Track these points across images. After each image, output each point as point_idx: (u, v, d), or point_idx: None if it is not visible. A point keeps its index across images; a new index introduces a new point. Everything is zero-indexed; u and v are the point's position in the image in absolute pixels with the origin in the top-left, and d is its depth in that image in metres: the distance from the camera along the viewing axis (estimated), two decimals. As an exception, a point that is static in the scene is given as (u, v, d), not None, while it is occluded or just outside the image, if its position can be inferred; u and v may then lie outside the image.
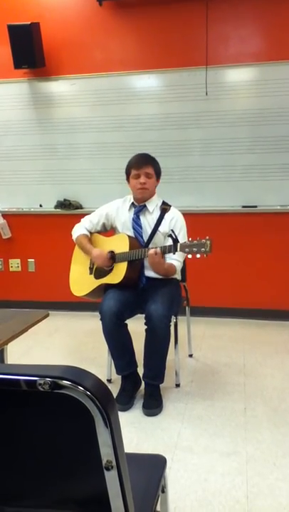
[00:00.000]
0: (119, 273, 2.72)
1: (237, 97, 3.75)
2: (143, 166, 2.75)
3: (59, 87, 4.03)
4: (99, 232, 2.98)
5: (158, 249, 2.53)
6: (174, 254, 2.57)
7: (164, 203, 2.88)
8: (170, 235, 2.52)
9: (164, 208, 2.83)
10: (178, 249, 2.50)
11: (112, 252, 2.80)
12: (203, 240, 2.44)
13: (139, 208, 2.85)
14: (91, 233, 2.96)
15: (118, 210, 2.90)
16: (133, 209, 2.86)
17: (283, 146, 3.74)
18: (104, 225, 2.95)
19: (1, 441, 0.96)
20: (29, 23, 3.72)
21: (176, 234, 2.59)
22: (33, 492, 1.03)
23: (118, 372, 2.78)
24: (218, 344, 3.58)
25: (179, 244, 2.50)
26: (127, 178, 2.83)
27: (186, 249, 2.47)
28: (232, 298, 4.08)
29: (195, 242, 2.46)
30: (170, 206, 2.86)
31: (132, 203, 2.87)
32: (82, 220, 3.00)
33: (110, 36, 3.88)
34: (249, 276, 4.03)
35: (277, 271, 3.98)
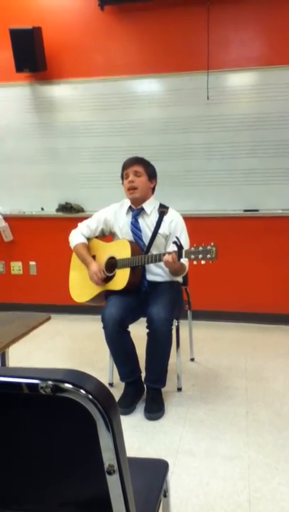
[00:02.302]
0: (122, 279, 2.71)
1: (238, 101, 3.75)
2: (131, 165, 2.78)
3: (60, 91, 4.04)
4: (97, 238, 2.97)
5: (174, 255, 2.50)
6: (179, 260, 2.56)
7: (161, 205, 2.88)
8: (175, 242, 2.50)
9: (162, 210, 2.83)
10: (183, 255, 2.49)
11: (113, 258, 2.80)
12: (209, 247, 2.44)
13: (137, 211, 2.85)
14: (89, 239, 2.95)
15: (116, 214, 2.89)
16: (131, 213, 2.86)
17: (285, 150, 3.75)
18: (102, 230, 2.94)
19: (3, 444, 0.95)
20: (31, 27, 3.74)
21: (178, 237, 2.59)
22: (34, 496, 1.03)
23: (122, 379, 2.77)
24: (220, 348, 3.57)
25: (184, 251, 2.49)
26: (122, 183, 2.84)
27: (192, 256, 2.46)
28: (234, 302, 4.08)
29: (200, 248, 2.45)
30: (168, 208, 2.85)
31: (130, 207, 2.87)
32: (79, 225, 2.98)
33: (112, 40, 3.89)
34: (251, 280, 4.02)
35: (279, 275, 3.97)
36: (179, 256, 2.49)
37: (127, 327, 2.69)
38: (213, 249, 2.42)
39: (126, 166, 2.81)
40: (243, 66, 3.71)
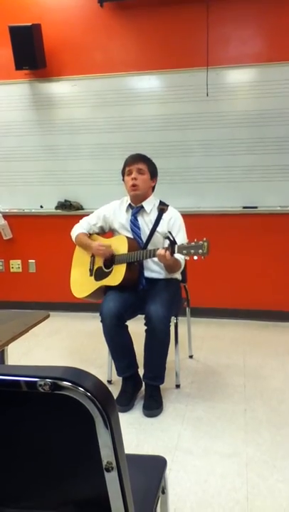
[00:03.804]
0: (118, 275, 2.72)
1: (237, 97, 3.75)
2: (135, 162, 2.77)
3: (60, 88, 4.03)
4: (97, 234, 2.98)
5: (167, 252, 2.48)
6: (172, 255, 2.55)
7: (161, 203, 2.87)
8: (167, 237, 2.50)
9: (162, 208, 2.83)
10: (176, 251, 2.49)
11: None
12: (201, 242, 2.42)
13: (137, 209, 2.85)
14: (89, 234, 2.97)
15: (115, 212, 2.90)
16: (130, 210, 2.86)
17: (284, 147, 3.75)
18: (102, 227, 2.95)
19: (1, 442, 0.96)
20: (30, 24, 3.73)
21: (175, 234, 2.58)
22: (33, 493, 1.03)
23: (119, 374, 2.78)
24: (219, 345, 3.58)
25: (176, 246, 2.49)
26: (123, 179, 2.84)
27: (184, 251, 2.45)
28: (232, 299, 4.08)
29: (192, 243, 2.44)
30: (168, 206, 2.85)
31: (129, 204, 2.87)
32: (80, 221, 3.00)
33: (111, 37, 3.88)
34: (249, 277, 4.03)
35: (278, 272, 3.98)
36: (172, 251, 2.48)
37: (125, 321, 2.70)
38: (205, 244, 2.39)
39: (129, 162, 2.80)
40: (242, 62, 3.70)
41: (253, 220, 3.93)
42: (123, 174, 2.84)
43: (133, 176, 2.76)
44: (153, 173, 2.83)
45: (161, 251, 2.52)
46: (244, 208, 3.91)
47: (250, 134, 3.78)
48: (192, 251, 2.42)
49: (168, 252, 2.48)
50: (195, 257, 2.42)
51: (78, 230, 2.96)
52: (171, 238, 2.47)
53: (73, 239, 2.98)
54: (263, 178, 3.83)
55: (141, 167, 2.77)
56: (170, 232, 2.52)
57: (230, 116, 3.79)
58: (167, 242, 2.50)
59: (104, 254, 2.80)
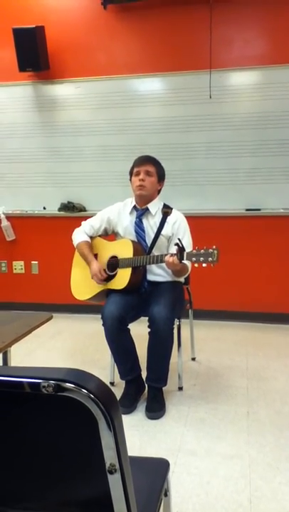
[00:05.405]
0: (123, 279, 2.71)
1: (241, 100, 3.75)
2: (144, 164, 2.77)
3: (63, 90, 4.05)
4: (100, 236, 2.97)
5: (175, 258, 2.49)
6: (181, 262, 2.54)
7: (165, 205, 2.87)
8: (177, 244, 2.48)
9: (166, 211, 2.82)
10: (184, 257, 2.48)
11: (115, 258, 2.80)
12: (210, 250, 2.42)
13: (142, 211, 2.84)
14: (92, 237, 2.95)
15: (119, 214, 2.89)
16: (135, 213, 2.85)
17: (287, 149, 3.74)
18: (105, 229, 2.94)
19: (5, 443, 0.96)
20: (34, 26, 3.75)
21: (180, 238, 2.58)
22: (36, 494, 1.03)
23: (121, 377, 2.77)
24: (221, 347, 3.57)
25: (185, 253, 2.48)
26: (130, 179, 2.84)
27: (193, 258, 2.45)
28: (235, 301, 4.08)
29: (202, 251, 2.44)
30: (172, 209, 2.85)
31: (134, 207, 2.87)
32: (82, 223, 2.98)
33: (114, 39, 3.89)
34: (252, 280, 4.02)
35: (281, 274, 3.97)
36: (181, 258, 2.49)
37: (127, 325, 2.69)
38: (215, 252, 2.41)
39: (138, 163, 2.80)
40: (245, 65, 3.70)
41: (255, 222, 3.93)
42: (131, 174, 2.83)
43: (141, 177, 2.75)
44: (161, 176, 2.83)
45: (169, 258, 2.51)
46: (247, 210, 3.90)
47: (254, 136, 3.78)
48: (201, 258, 2.43)
49: (176, 260, 2.48)
50: (204, 265, 2.42)
51: (80, 237, 2.92)
52: (180, 245, 2.47)
53: (74, 244, 2.95)
54: (266, 181, 3.83)
55: (149, 169, 2.77)
56: (179, 240, 2.51)
57: (233, 119, 3.79)
58: (176, 248, 2.49)
59: (98, 282, 2.79)
